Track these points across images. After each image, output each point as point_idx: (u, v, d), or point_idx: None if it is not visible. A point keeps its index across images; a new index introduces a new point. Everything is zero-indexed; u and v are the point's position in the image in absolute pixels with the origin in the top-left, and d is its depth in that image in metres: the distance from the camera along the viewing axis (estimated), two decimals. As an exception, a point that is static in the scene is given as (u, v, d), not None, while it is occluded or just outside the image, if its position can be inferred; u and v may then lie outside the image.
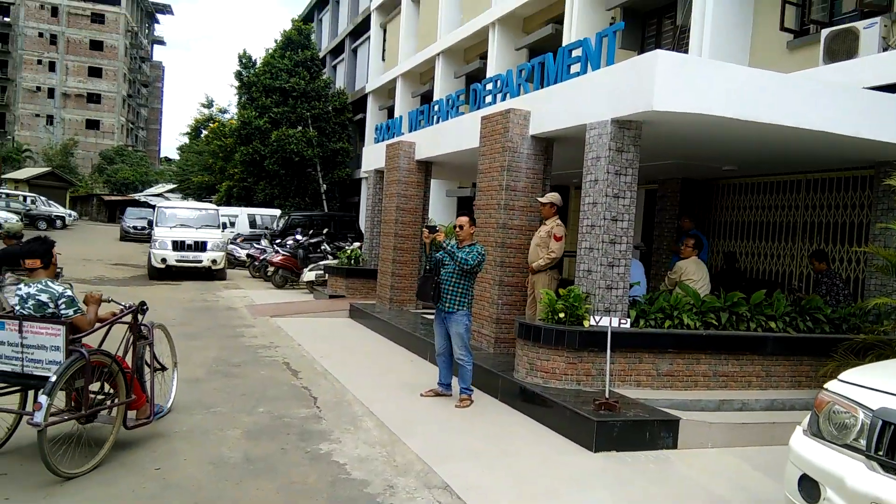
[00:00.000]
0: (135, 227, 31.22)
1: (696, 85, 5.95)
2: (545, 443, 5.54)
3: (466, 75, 17.28)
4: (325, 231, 18.81)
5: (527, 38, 14.62)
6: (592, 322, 6.20)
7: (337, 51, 30.42)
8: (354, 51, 28.27)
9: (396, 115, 19.30)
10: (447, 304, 6.47)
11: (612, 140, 6.37)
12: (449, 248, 6.43)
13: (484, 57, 16.24)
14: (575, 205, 7.77)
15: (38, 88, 64.81)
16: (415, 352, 8.91)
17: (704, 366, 6.52)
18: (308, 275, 15.09)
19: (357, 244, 15.91)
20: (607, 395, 5.79)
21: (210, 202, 28.62)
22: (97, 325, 4.73)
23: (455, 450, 5.25)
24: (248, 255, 19.20)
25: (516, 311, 7.87)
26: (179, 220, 17.91)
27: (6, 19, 62.85)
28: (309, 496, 4.23)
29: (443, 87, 17.72)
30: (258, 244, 19.65)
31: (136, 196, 47.74)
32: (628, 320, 6.26)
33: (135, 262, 20.77)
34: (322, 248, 17.05)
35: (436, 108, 11.27)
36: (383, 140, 13.21)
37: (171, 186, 48.78)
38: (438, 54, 18.29)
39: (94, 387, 4.68)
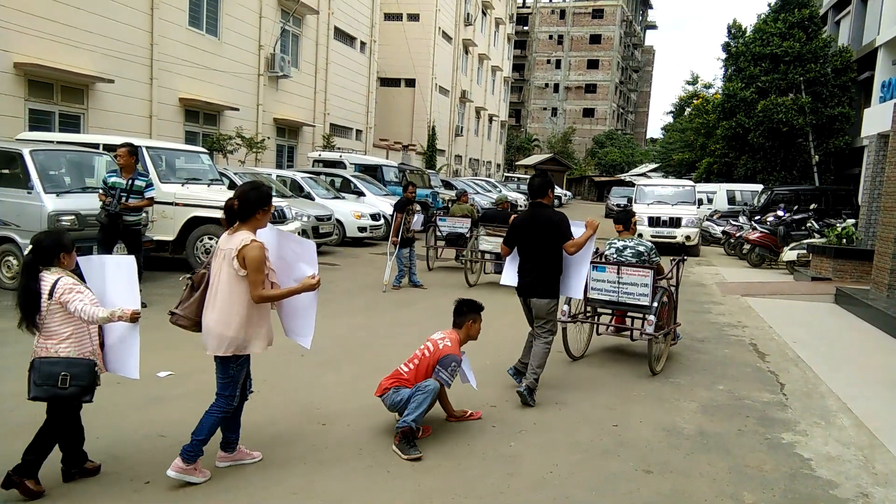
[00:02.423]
0: (617, 205, 33.45)
1: None
2: None
3: None
4: (812, 207, 17.24)
5: None
6: None
7: (841, 4, 26.80)
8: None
9: (916, 67, 15.97)
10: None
11: None
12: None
13: None
14: None
15: (546, 85, 74.66)
16: (919, 351, 7.42)
17: None
18: (788, 254, 14.02)
19: (851, 221, 13.98)
20: None
21: (689, 179, 28.66)
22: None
23: (962, 474, 4.26)
24: (724, 232, 18.81)
25: None
26: (656, 196, 18.63)
27: (524, 28, 73.67)
28: (762, 484, 4.03)
29: None
30: (735, 220, 19.00)
31: (622, 176, 50.80)
32: None
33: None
34: (807, 225, 15.54)
35: (970, 50, 8.95)
36: (891, 98, 11.19)
37: (654, 166, 50.24)
38: None
39: None
